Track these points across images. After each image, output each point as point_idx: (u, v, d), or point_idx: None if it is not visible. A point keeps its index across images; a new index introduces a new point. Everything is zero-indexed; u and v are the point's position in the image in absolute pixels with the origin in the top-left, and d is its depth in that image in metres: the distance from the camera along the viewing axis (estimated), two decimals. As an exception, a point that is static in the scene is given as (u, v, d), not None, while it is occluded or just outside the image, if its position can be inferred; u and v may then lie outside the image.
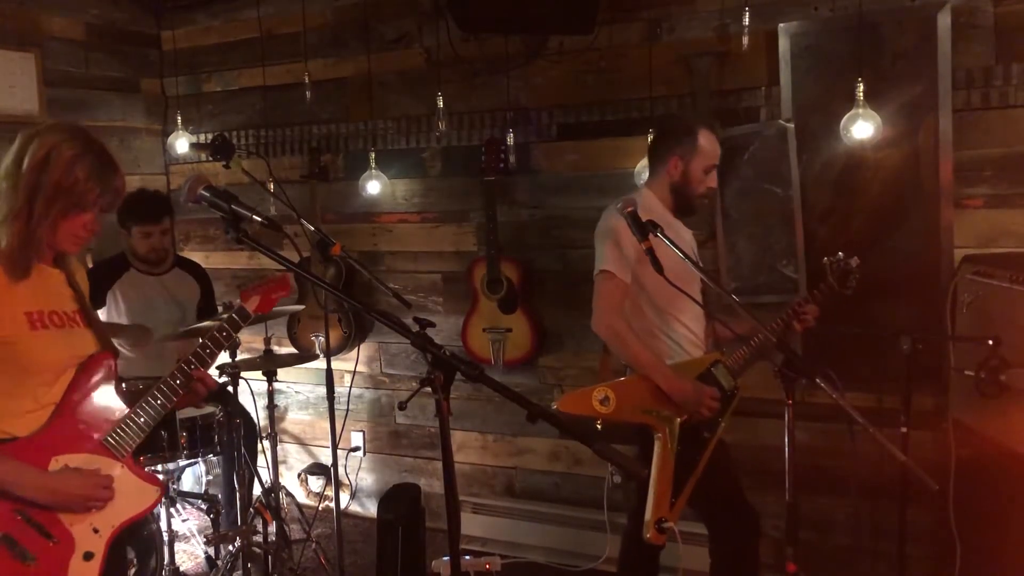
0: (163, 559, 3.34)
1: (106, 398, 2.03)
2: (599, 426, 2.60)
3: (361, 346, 4.43)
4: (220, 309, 3.81)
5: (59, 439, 1.94)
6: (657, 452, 2.66)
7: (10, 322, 1.88)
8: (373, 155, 4.17)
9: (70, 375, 1.98)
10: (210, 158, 3.83)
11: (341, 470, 4.37)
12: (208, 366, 2.13)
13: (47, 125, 1.96)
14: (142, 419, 2.03)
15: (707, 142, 2.80)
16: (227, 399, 3.50)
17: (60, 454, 1.93)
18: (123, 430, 2.02)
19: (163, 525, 3.41)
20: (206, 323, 3.53)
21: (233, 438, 3.48)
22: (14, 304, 1.90)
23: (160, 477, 2.34)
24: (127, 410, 2.04)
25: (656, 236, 2.52)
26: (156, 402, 2.05)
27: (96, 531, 1.96)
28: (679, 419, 2.68)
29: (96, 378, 2.02)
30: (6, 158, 1.92)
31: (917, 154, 3.23)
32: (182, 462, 3.66)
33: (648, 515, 2.60)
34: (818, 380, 2.06)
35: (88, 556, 1.93)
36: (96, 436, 2.00)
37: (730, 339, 2.88)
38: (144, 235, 3.73)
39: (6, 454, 1.87)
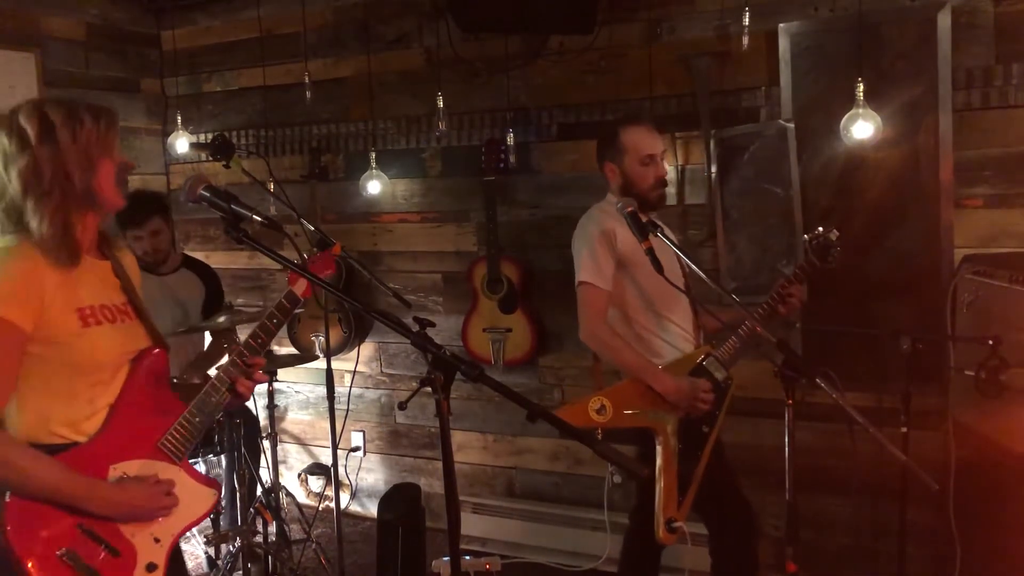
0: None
1: (160, 397, 1.93)
2: (599, 435, 2.61)
3: (361, 346, 4.43)
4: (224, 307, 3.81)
5: (116, 444, 1.84)
6: (660, 453, 2.66)
7: (62, 321, 1.77)
8: (374, 155, 4.17)
9: (124, 373, 1.88)
10: (210, 158, 3.83)
11: (341, 470, 4.37)
12: (260, 355, 2.02)
13: (15, 107, 1.82)
14: (198, 419, 1.93)
15: (631, 137, 2.81)
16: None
17: (117, 461, 1.84)
18: (179, 432, 1.92)
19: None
20: (205, 323, 3.53)
21: (234, 438, 3.48)
22: (65, 301, 1.78)
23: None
24: (181, 409, 1.94)
25: (656, 236, 2.54)
26: (211, 399, 1.95)
27: (157, 541, 1.86)
28: (677, 417, 2.69)
29: (149, 376, 1.91)
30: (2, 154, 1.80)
31: (917, 154, 3.23)
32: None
33: (657, 516, 2.61)
34: (818, 380, 2.06)
35: (151, 567, 1.84)
36: (152, 439, 1.89)
37: (718, 330, 2.88)
38: (134, 239, 3.69)
39: (67, 466, 1.76)
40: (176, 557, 1.96)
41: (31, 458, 1.73)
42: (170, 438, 1.91)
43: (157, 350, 1.94)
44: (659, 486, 2.63)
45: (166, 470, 1.90)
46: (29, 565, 1.67)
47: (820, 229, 2.73)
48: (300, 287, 2.08)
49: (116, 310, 1.89)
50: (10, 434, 1.74)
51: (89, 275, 1.86)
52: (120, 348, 1.87)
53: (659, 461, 2.65)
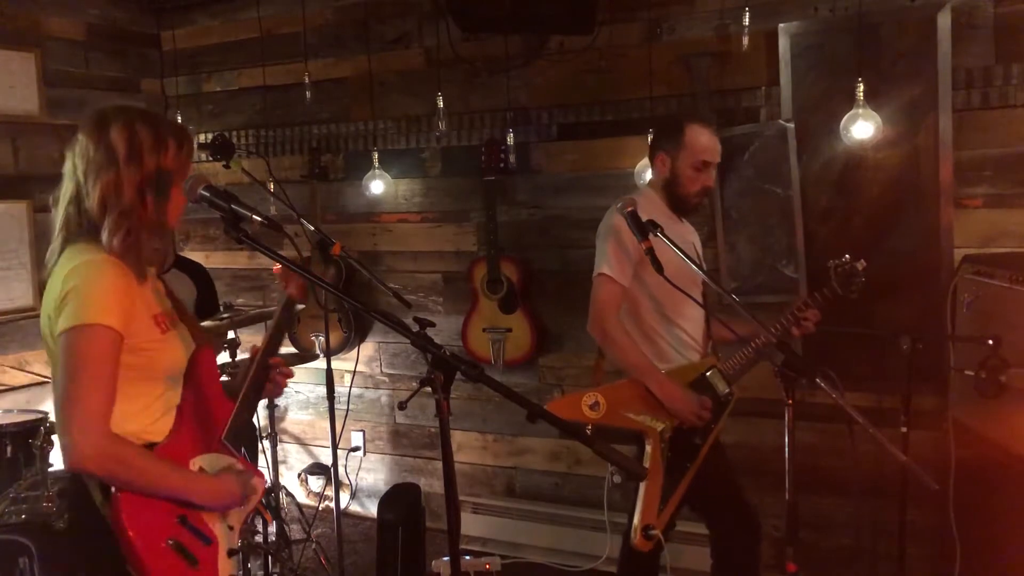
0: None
1: (215, 395, 2.02)
2: (589, 431, 2.58)
3: (361, 346, 4.43)
4: (221, 308, 3.82)
5: (190, 441, 1.93)
6: (647, 458, 2.64)
7: (145, 329, 1.84)
8: (376, 155, 4.17)
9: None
10: (210, 158, 3.83)
11: (341, 470, 4.37)
12: (276, 353, 2.11)
13: (102, 113, 1.86)
14: (244, 414, 2.02)
15: (695, 138, 2.74)
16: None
17: (195, 456, 1.92)
18: (234, 425, 2.00)
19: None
20: (211, 323, 3.53)
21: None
22: (144, 310, 1.85)
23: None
24: (229, 403, 2.02)
25: (656, 236, 2.52)
26: (252, 396, 2.03)
27: (231, 528, 1.96)
28: (671, 425, 2.66)
29: (204, 375, 1.99)
30: (79, 161, 1.83)
31: (917, 154, 3.23)
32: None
33: (636, 521, 2.59)
34: (818, 380, 2.06)
35: (231, 553, 1.94)
36: (215, 434, 1.98)
37: (728, 341, 2.86)
38: None
39: (172, 462, 1.86)
40: None
41: (147, 457, 1.81)
42: (228, 432, 1.99)
43: (207, 351, 2.02)
44: (641, 491, 2.60)
45: (227, 462, 1.99)
46: (145, 554, 1.76)
47: (847, 257, 2.68)
48: (292, 288, 2.14)
49: (171, 314, 1.97)
50: (123, 436, 1.80)
51: (151, 284, 1.93)
52: (186, 352, 1.95)
53: (645, 466, 2.62)
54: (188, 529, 1.85)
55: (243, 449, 3.46)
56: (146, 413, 1.86)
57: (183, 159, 1.88)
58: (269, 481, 3.72)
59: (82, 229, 1.83)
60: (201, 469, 1.92)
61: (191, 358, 1.96)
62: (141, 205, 1.82)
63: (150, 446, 1.85)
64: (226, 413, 2.00)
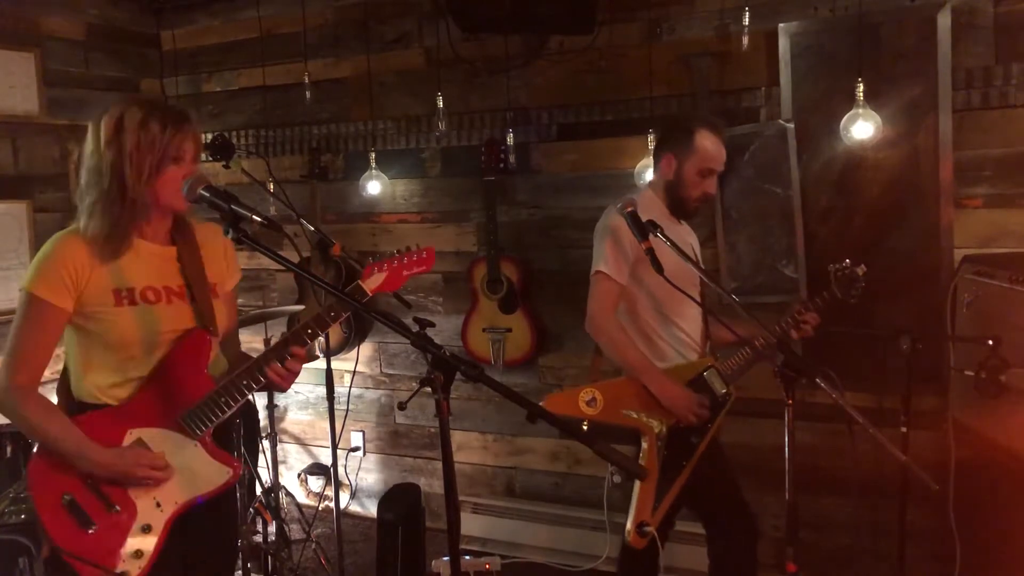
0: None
1: (193, 375, 2.04)
2: (585, 427, 2.59)
3: (361, 346, 4.43)
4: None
5: (140, 412, 2.01)
6: (643, 456, 2.65)
7: (97, 300, 1.96)
8: (374, 155, 4.17)
9: (164, 350, 2.02)
10: (210, 158, 3.83)
11: (341, 470, 4.37)
12: (305, 345, 2.06)
13: (107, 106, 1.99)
14: (223, 399, 2.03)
15: (704, 143, 2.73)
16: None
17: (137, 427, 2.00)
18: (202, 409, 2.02)
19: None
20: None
21: (233, 437, 3.48)
22: (104, 283, 1.96)
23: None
24: (212, 388, 2.04)
25: (656, 236, 2.52)
26: (241, 383, 2.03)
27: (158, 505, 2.00)
28: (668, 423, 2.67)
29: (187, 355, 2.04)
30: (84, 149, 2.00)
31: (917, 154, 3.23)
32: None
33: (630, 518, 2.59)
34: (818, 380, 2.06)
35: (146, 528, 1.98)
36: (176, 413, 2.02)
37: (727, 342, 2.86)
38: None
39: (71, 425, 1.96)
40: (198, 525, 2.08)
41: (41, 415, 1.96)
42: (191, 414, 2.02)
43: (200, 332, 2.06)
44: (635, 489, 2.61)
45: (181, 443, 2.02)
46: (40, 506, 1.94)
47: (847, 262, 2.68)
48: (372, 283, 2.15)
49: (166, 291, 2.04)
50: (37, 394, 1.98)
51: (141, 260, 2.02)
52: (151, 328, 2.00)
53: (641, 463, 2.63)
54: (93, 492, 1.95)
55: (240, 451, 3.48)
56: (103, 374, 2.00)
57: (167, 139, 1.94)
58: (269, 481, 3.73)
59: (79, 210, 2.00)
60: (140, 440, 1.99)
61: (181, 336, 2.03)
62: (122, 186, 1.93)
63: (102, 406, 2.00)
64: (200, 395, 2.03)
